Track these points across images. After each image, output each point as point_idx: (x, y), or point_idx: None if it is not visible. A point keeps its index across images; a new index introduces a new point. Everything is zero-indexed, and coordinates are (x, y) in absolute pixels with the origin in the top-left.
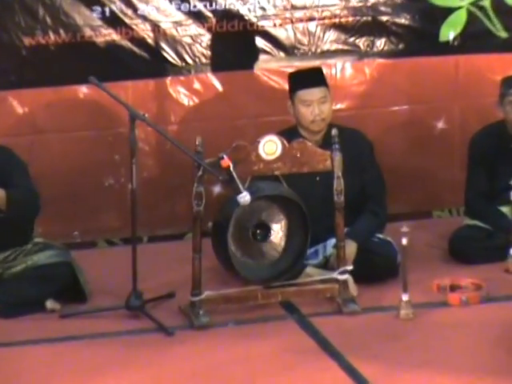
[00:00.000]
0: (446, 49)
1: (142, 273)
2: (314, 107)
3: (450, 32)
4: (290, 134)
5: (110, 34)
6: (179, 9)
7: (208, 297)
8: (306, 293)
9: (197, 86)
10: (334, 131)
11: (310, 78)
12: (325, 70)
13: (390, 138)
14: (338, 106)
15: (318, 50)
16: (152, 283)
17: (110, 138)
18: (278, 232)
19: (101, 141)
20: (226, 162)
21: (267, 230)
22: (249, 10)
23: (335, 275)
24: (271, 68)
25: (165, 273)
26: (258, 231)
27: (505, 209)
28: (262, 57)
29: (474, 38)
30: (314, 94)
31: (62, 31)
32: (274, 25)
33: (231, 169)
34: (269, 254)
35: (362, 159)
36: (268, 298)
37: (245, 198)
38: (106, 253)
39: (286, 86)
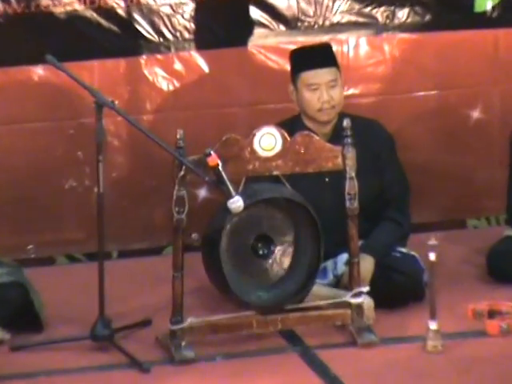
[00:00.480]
0: (483, 21)
1: (110, 295)
2: (321, 92)
3: (487, 1)
4: (292, 125)
5: (72, 4)
6: None
7: (192, 325)
8: (312, 319)
9: (178, 66)
10: (347, 122)
11: (317, 56)
12: (335, 47)
13: (414, 130)
14: (351, 92)
15: (327, 23)
16: (123, 308)
17: (71, 131)
18: (283, 246)
19: (60, 134)
20: (214, 159)
21: (270, 243)
22: None
23: (348, 298)
24: (269, 45)
25: (139, 295)
26: (260, 245)
27: None
28: (258, 31)
29: None
30: (321, 76)
31: (12, 0)
32: None
33: (220, 168)
34: (272, 274)
35: (381, 156)
36: (265, 327)
37: (237, 203)
38: (67, 271)
39: (288, 67)
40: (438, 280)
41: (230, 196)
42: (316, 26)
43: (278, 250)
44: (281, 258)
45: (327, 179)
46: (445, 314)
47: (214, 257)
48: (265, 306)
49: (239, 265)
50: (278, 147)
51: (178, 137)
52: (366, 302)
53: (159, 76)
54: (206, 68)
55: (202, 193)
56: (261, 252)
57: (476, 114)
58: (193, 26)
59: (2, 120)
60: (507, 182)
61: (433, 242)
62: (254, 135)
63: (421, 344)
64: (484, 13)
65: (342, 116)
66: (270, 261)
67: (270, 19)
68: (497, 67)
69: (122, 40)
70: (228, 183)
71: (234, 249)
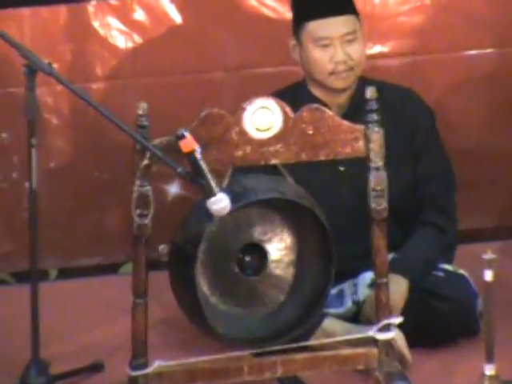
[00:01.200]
0: None
1: (47, 329)
2: (335, 49)
3: None
4: (294, 95)
5: None
6: None
7: (160, 370)
8: (324, 362)
9: (139, 15)
10: (371, 91)
11: None
12: None
13: (461, 102)
14: (377, 50)
15: None
16: (65, 347)
17: None
18: (280, 260)
19: None
20: (189, 143)
21: (262, 257)
22: None
23: (373, 333)
24: None
25: (87, 330)
26: (248, 259)
27: None
28: None
29: None
30: (334, 27)
31: None
32: None
33: (197, 154)
34: (267, 297)
35: (417, 138)
36: (260, 372)
37: (220, 203)
38: None
39: (290, 16)
40: (497, 308)
41: (211, 193)
42: None
43: (272, 265)
44: (277, 276)
45: (342, 168)
46: (505, 355)
47: (186, 277)
48: (257, 344)
49: (221, 286)
50: (278, 126)
51: (139, 112)
52: (398, 338)
53: (113, 29)
54: (177, 18)
55: (173, 189)
56: (250, 268)
57: None
58: None
59: None
60: None
61: (489, 255)
62: (245, 110)
63: None
64: None
65: (363, 83)
66: (263, 280)
67: None
68: None
69: None
70: (208, 176)
71: (213, 265)
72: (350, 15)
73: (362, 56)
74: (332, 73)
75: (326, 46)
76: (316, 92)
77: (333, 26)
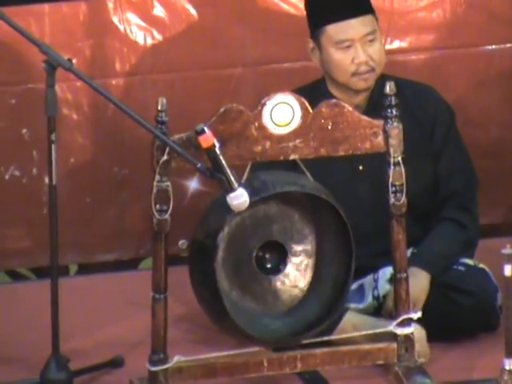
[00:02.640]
0: None
1: (68, 325)
2: (356, 50)
3: None
4: (313, 92)
5: None
6: None
7: (180, 365)
8: (344, 357)
9: (158, 11)
10: (390, 87)
11: (347, 1)
12: None
13: (481, 98)
14: (396, 45)
15: None
16: (85, 342)
17: (12, 100)
18: (300, 257)
19: None
20: (209, 138)
21: (282, 255)
22: None
23: (393, 328)
24: None
25: (106, 325)
26: (268, 256)
27: None
28: None
29: None
30: (355, 28)
31: None
32: None
33: (217, 150)
34: (286, 295)
35: (436, 135)
36: (280, 367)
37: (239, 198)
38: (8, 292)
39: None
40: None
41: (231, 189)
42: None
43: (292, 262)
44: (296, 273)
45: (361, 167)
46: None
47: (206, 272)
48: (277, 339)
49: (239, 283)
50: (297, 122)
51: (158, 108)
52: (418, 332)
53: (133, 25)
54: (196, 13)
55: (193, 184)
56: (269, 265)
57: None
58: None
59: None
60: None
61: (509, 250)
62: (264, 105)
63: None
64: None
65: (381, 80)
66: (282, 277)
67: None
68: None
69: None
70: (228, 171)
71: (233, 261)
72: (368, 15)
73: (382, 56)
74: (354, 74)
75: (347, 47)
76: (335, 92)
77: (353, 28)
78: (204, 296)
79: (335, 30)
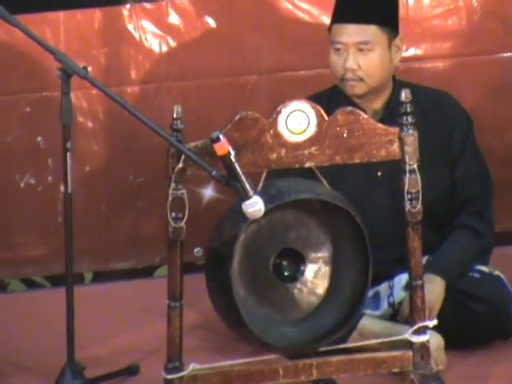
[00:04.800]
0: None
1: (83, 333)
2: (347, 56)
3: None
4: (330, 98)
5: None
6: None
7: (195, 373)
8: (360, 365)
9: (173, 18)
10: (406, 94)
11: (353, 3)
12: None
13: (497, 105)
14: (412, 53)
15: None
16: (100, 350)
17: (27, 108)
18: (317, 264)
19: (12, 111)
20: (224, 146)
21: (299, 262)
22: None
23: (408, 335)
24: None
25: (122, 333)
26: (285, 264)
27: None
28: None
29: None
30: (348, 33)
31: None
32: None
33: (232, 158)
34: (303, 302)
35: (454, 142)
36: (296, 375)
37: (255, 206)
38: (23, 300)
39: (324, 19)
40: None
41: (246, 196)
42: None
43: (309, 270)
44: (314, 280)
45: (379, 173)
46: None
47: (222, 280)
48: (294, 347)
49: (256, 290)
50: (312, 129)
51: (174, 116)
52: (434, 340)
53: (148, 32)
54: (211, 21)
55: (208, 192)
56: (286, 273)
57: None
58: None
59: None
60: None
61: None
62: (279, 113)
63: None
64: None
65: (399, 86)
66: (299, 285)
67: None
68: None
69: None
70: (243, 179)
71: (249, 269)
72: (371, 25)
73: (376, 69)
74: (342, 79)
75: (340, 50)
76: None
77: (347, 33)
78: (220, 304)
79: (335, 31)
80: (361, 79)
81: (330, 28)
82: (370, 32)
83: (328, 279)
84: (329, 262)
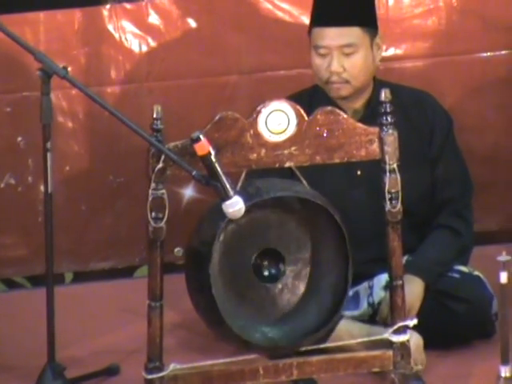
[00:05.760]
0: None
1: (63, 333)
2: (332, 59)
3: None
4: (311, 98)
5: None
6: None
7: (175, 373)
8: (340, 365)
9: (154, 18)
10: (385, 94)
11: (332, 7)
12: None
13: (477, 105)
14: (392, 53)
15: None
16: (81, 350)
17: (7, 109)
18: (298, 264)
19: None
20: (204, 146)
21: (280, 262)
22: None
23: (388, 335)
24: None
25: (102, 333)
26: (265, 264)
27: None
28: None
29: None
30: (331, 37)
31: None
32: None
33: (212, 158)
34: (284, 302)
35: (434, 141)
36: (276, 375)
37: (235, 206)
38: (3, 300)
39: (304, 19)
40: None
41: (227, 196)
42: None
43: (289, 270)
44: (294, 281)
45: (359, 172)
46: None
47: (201, 279)
48: (274, 347)
49: (236, 290)
50: (292, 129)
51: (154, 116)
52: (414, 340)
53: (128, 33)
54: (192, 21)
55: (188, 192)
56: (266, 273)
57: None
58: None
59: None
60: None
61: (504, 257)
62: (259, 113)
63: None
64: None
65: (379, 86)
66: (280, 285)
67: None
68: None
69: None
70: (223, 179)
71: (229, 268)
72: (354, 27)
73: (360, 70)
74: (327, 82)
75: (323, 54)
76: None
77: (330, 36)
78: (200, 303)
79: (316, 34)
80: (346, 81)
81: (309, 31)
82: (352, 34)
83: (308, 279)
84: (309, 262)
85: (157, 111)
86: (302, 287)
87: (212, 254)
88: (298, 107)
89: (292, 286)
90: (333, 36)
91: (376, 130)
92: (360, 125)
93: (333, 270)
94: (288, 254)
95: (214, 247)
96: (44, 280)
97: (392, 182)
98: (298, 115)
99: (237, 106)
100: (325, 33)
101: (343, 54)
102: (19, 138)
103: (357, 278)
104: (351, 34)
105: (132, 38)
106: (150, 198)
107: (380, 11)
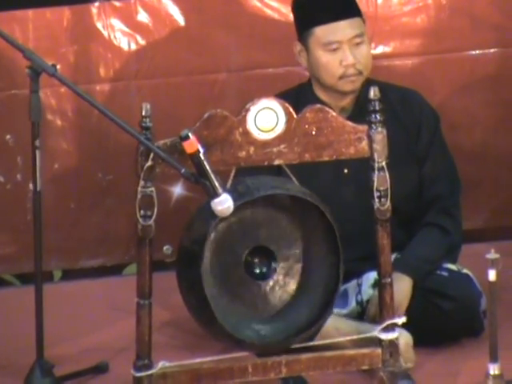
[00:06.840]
0: None
1: (52, 331)
2: (344, 53)
3: None
4: (298, 96)
5: None
6: None
7: (165, 371)
8: (329, 362)
9: (142, 16)
10: (374, 92)
11: (335, 3)
12: None
13: (465, 102)
14: (380, 51)
15: None
16: (70, 348)
17: None
18: (289, 262)
19: None
20: (193, 144)
21: (271, 260)
22: None
23: (377, 333)
24: None
25: (91, 331)
26: (256, 261)
27: None
28: None
29: None
30: (343, 30)
31: None
32: None
33: (201, 156)
34: (275, 299)
35: (422, 139)
36: (265, 373)
37: (224, 203)
38: None
39: (292, 16)
40: (501, 308)
41: (216, 194)
42: None
43: (280, 267)
44: (285, 278)
45: (346, 170)
46: (509, 354)
47: (193, 277)
48: (264, 345)
49: (228, 288)
50: (281, 127)
51: (143, 113)
52: (403, 337)
53: (117, 30)
54: (181, 19)
55: (177, 190)
56: (257, 271)
57: None
58: None
59: None
60: None
61: (492, 255)
62: (248, 111)
63: None
64: None
65: (367, 84)
66: (271, 282)
67: None
68: None
69: None
70: (212, 177)
71: (220, 266)
72: (356, 18)
73: (369, 59)
74: (342, 77)
75: (334, 50)
76: (321, 95)
77: (341, 30)
78: (192, 302)
79: (323, 32)
80: (360, 72)
81: (307, 31)
82: (358, 24)
83: (299, 276)
84: (300, 259)
85: (146, 109)
86: (293, 284)
87: (203, 252)
88: (287, 105)
89: (283, 283)
90: (343, 29)
91: (365, 127)
92: (349, 123)
93: (323, 267)
94: (279, 252)
95: (206, 246)
96: (33, 278)
97: (381, 180)
98: (287, 113)
99: (226, 104)
100: (334, 28)
101: (353, 46)
102: (8, 136)
103: (346, 276)
104: (357, 24)
105: (121, 36)
106: (138, 196)
107: (369, 9)
